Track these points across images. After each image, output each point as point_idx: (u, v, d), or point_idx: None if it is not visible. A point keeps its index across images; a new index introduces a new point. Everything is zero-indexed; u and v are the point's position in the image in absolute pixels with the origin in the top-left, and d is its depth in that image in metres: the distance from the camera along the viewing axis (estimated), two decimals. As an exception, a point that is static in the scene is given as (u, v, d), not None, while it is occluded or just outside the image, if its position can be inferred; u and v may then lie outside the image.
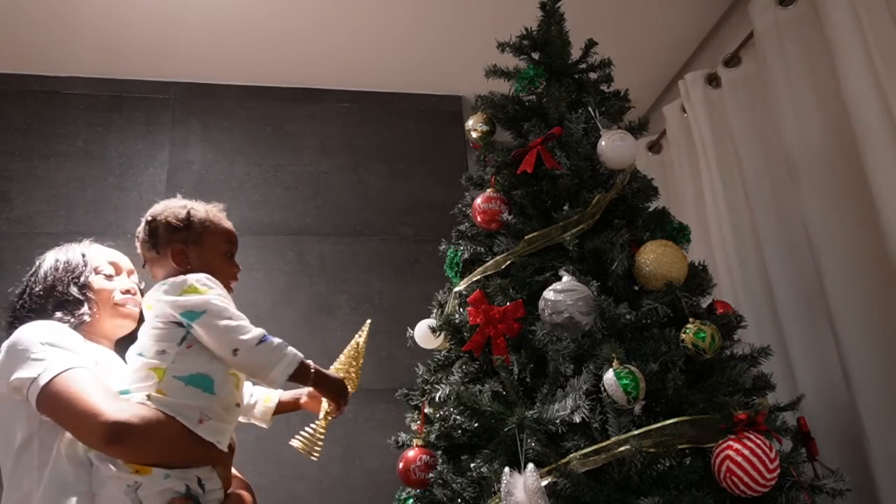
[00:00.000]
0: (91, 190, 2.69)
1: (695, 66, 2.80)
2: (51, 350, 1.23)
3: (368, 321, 1.60)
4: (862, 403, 1.77)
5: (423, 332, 1.75)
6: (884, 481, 1.71)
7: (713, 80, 2.55)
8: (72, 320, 1.35)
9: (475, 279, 1.62)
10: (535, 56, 1.82)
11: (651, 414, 1.31)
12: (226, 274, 1.41)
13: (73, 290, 1.38)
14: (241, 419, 1.50)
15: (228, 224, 1.45)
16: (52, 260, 1.44)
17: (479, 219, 1.64)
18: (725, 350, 1.44)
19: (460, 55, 2.77)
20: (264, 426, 1.57)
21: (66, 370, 1.19)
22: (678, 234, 1.62)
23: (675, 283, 1.42)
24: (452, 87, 3.01)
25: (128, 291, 1.47)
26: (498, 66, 1.80)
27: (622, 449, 1.23)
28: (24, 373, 1.20)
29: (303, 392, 1.57)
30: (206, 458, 1.25)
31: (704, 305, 1.54)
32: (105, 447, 1.15)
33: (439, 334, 1.68)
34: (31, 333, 1.26)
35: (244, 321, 1.27)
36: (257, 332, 1.26)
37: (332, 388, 1.37)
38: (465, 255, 1.71)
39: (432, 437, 1.58)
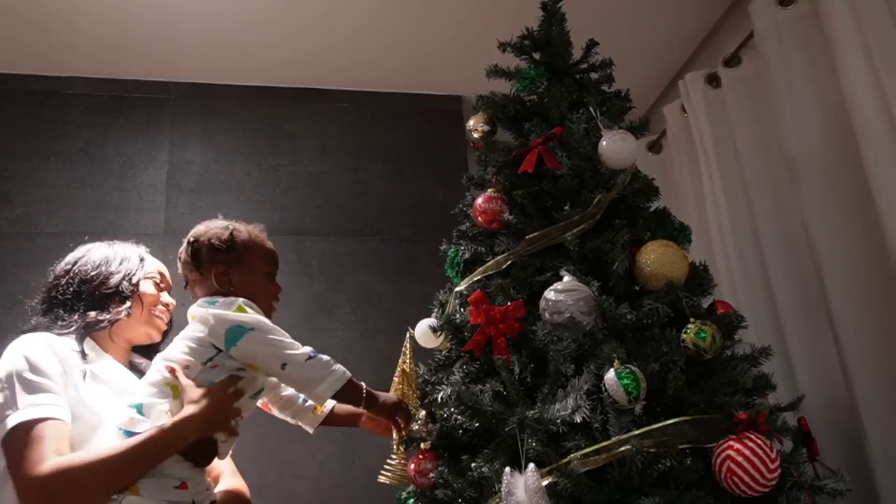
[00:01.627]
0: (91, 190, 2.69)
1: (695, 66, 2.80)
2: (29, 386, 1.19)
3: (408, 336, 1.63)
4: (862, 404, 1.78)
5: (424, 332, 1.75)
6: (884, 481, 1.71)
7: (713, 80, 2.55)
8: (107, 317, 1.35)
9: (476, 279, 1.62)
10: (536, 56, 1.82)
11: (652, 414, 1.31)
12: (268, 294, 1.44)
13: (125, 284, 1.39)
14: (290, 420, 1.55)
15: (270, 245, 1.47)
16: (105, 251, 1.43)
17: (479, 219, 1.64)
18: (726, 350, 1.44)
19: (460, 55, 2.77)
20: (309, 430, 1.60)
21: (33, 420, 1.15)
22: (679, 235, 1.62)
23: (675, 284, 1.42)
24: (452, 87, 3.00)
25: (167, 305, 1.50)
26: (499, 66, 1.80)
27: (623, 449, 1.23)
28: None
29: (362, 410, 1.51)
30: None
31: (705, 305, 1.54)
32: None
33: (440, 334, 1.68)
34: (17, 361, 1.22)
35: (293, 340, 1.32)
36: (306, 349, 1.32)
37: (387, 409, 1.42)
38: (466, 255, 1.71)
39: (432, 437, 1.58)
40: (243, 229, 1.43)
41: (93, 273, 1.39)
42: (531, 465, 1.20)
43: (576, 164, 1.58)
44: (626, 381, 1.24)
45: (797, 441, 1.41)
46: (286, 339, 1.32)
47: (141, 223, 2.67)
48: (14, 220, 2.59)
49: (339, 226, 2.84)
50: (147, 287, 1.46)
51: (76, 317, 1.34)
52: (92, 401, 1.25)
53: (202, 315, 1.31)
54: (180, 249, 1.43)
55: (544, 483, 1.20)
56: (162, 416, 1.23)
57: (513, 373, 1.40)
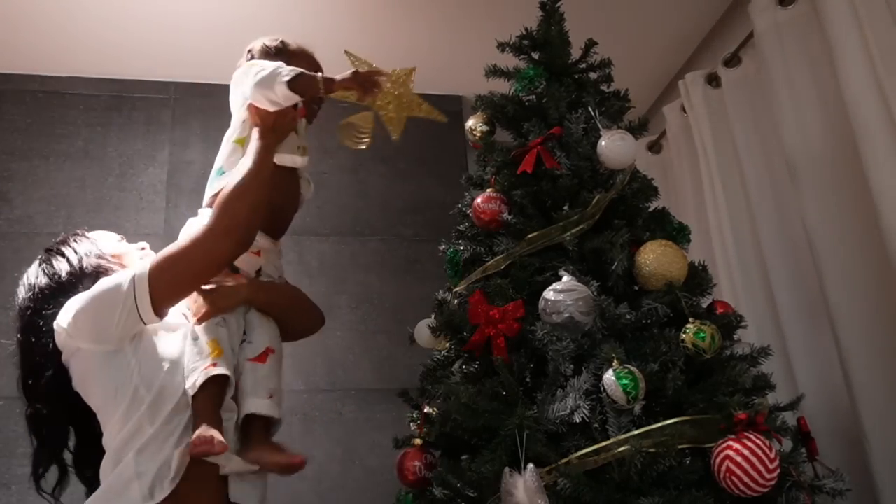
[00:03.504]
0: (91, 190, 2.69)
1: (695, 66, 2.80)
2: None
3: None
4: (862, 403, 1.77)
5: (423, 332, 1.75)
6: (884, 481, 1.71)
7: (713, 80, 2.55)
8: None
9: (475, 279, 1.62)
10: (535, 56, 1.81)
11: (651, 414, 1.31)
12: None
13: (102, 262, 1.39)
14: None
15: (315, 56, 1.60)
16: (57, 262, 1.40)
17: (479, 219, 1.64)
18: (725, 350, 1.44)
19: (460, 55, 2.77)
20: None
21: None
22: (678, 234, 1.62)
23: (675, 283, 1.42)
24: (452, 87, 3.00)
25: (143, 249, 1.51)
26: (498, 66, 1.80)
27: (622, 449, 1.23)
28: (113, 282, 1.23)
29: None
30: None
31: (704, 305, 1.54)
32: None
33: (439, 334, 1.68)
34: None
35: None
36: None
37: (348, 79, 1.45)
38: (465, 255, 1.71)
39: (432, 437, 1.58)
40: (292, 41, 1.56)
41: (67, 277, 1.36)
42: (530, 466, 1.20)
43: (575, 164, 1.58)
44: (624, 382, 1.24)
45: (796, 441, 1.41)
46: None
47: (141, 223, 2.67)
48: (14, 220, 2.59)
49: (339, 226, 2.84)
50: (117, 248, 1.47)
51: None
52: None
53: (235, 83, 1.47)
54: (239, 63, 1.53)
55: (543, 483, 1.20)
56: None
57: (512, 373, 1.40)
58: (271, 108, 1.38)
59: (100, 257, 1.39)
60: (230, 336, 1.30)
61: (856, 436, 1.80)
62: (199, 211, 1.49)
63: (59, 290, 1.31)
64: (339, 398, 2.57)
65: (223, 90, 3.08)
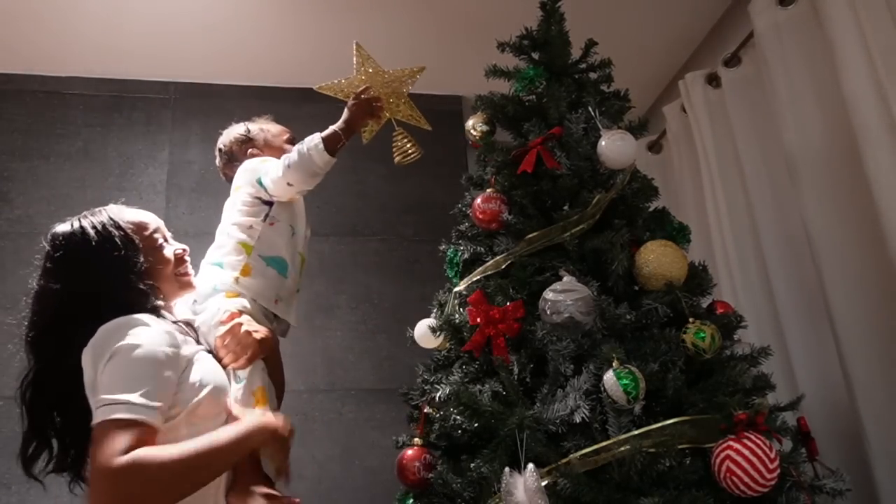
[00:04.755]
0: (91, 190, 2.68)
1: (695, 66, 2.80)
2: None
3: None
4: (862, 403, 1.77)
5: (423, 332, 1.75)
6: (884, 481, 1.71)
7: (713, 80, 2.55)
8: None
9: (475, 279, 1.62)
10: (535, 56, 1.82)
11: (651, 414, 1.31)
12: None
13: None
14: None
15: (279, 125, 1.79)
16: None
17: (479, 219, 1.64)
18: (725, 350, 1.44)
19: (460, 55, 2.77)
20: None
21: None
22: (678, 234, 1.62)
23: (675, 283, 1.42)
24: (452, 87, 3.00)
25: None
26: (498, 66, 1.80)
27: (622, 449, 1.23)
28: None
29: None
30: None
31: (704, 305, 1.54)
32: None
33: (439, 334, 1.68)
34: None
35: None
36: (285, 156, 1.54)
37: (354, 114, 1.65)
38: (465, 255, 1.71)
39: (432, 437, 1.58)
40: (254, 122, 1.74)
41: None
42: (530, 465, 1.20)
43: (575, 164, 1.58)
44: (625, 382, 1.24)
45: (796, 441, 1.41)
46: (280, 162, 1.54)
47: (141, 223, 2.67)
48: (14, 220, 2.59)
49: (339, 226, 2.84)
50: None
51: None
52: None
53: (243, 176, 1.57)
54: (216, 163, 1.73)
55: (543, 483, 1.20)
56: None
57: (512, 373, 1.40)
58: (310, 185, 1.55)
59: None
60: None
61: (856, 436, 1.80)
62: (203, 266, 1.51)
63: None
64: (339, 398, 2.57)
65: (223, 90, 3.11)
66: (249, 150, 1.68)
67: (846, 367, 1.82)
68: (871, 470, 1.73)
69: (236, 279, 1.44)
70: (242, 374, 1.33)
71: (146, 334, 1.15)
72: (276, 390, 1.44)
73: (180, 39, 2.68)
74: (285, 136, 1.75)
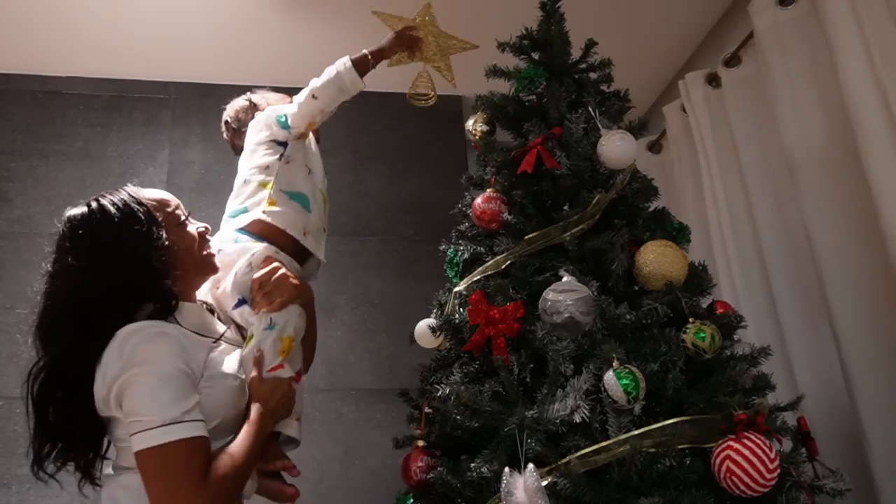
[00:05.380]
0: (91, 190, 2.64)
1: (695, 66, 2.80)
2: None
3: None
4: (862, 404, 1.77)
5: (423, 332, 1.75)
6: (884, 481, 1.71)
7: (713, 80, 2.55)
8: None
9: (475, 279, 1.62)
10: (536, 56, 1.82)
11: (651, 414, 1.31)
12: None
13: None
14: None
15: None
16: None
17: (479, 219, 1.64)
18: (725, 350, 1.44)
19: (460, 55, 2.77)
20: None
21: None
22: (678, 234, 1.62)
23: (675, 283, 1.42)
24: (452, 87, 3.00)
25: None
26: (498, 66, 1.80)
27: (622, 449, 1.23)
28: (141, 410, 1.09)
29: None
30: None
31: (704, 305, 1.54)
32: None
33: (439, 334, 1.68)
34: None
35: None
36: (311, 82, 1.57)
37: (393, 42, 1.69)
38: (465, 255, 1.71)
39: (432, 437, 1.58)
40: (254, 93, 1.74)
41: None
42: (530, 466, 1.20)
43: (575, 164, 1.58)
44: (625, 382, 1.24)
45: (796, 441, 1.41)
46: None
47: (141, 223, 2.67)
48: (14, 220, 2.59)
49: (339, 226, 2.83)
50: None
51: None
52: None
53: (254, 127, 1.58)
54: (225, 136, 1.75)
55: (543, 483, 1.20)
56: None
57: (512, 373, 1.40)
58: (335, 102, 1.58)
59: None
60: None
61: (856, 436, 1.80)
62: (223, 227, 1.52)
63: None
64: (339, 398, 2.57)
65: (223, 90, 3.09)
66: (256, 115, 1.70)
67: (846, 367, 1.82)
68: (871, 470, 1.73)
69: (264, 211, 1.46)
70: (279, 318, 1.32)
71: (165, 347, 1.13)
72: (307, 348, 1.45)
73: (180, 39, 2.68)
74: (289, 100, 1.75)
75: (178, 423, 1.08)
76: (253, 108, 1.71)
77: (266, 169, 1.52)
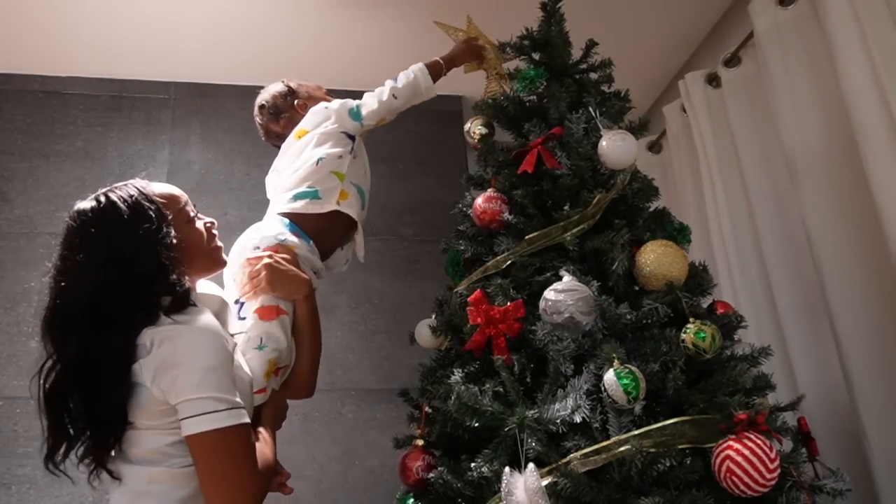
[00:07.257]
0: (91, 190, 2.61)
1: (695, 66, 2.80)
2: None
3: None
4: (862, 403, 1.78)
5: (423, 332, 1.75)
6: (884, 481, 1.71)
7: (713, 80, 2.55)
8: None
9: (475, 279, 1.62)
10: (536, 56, 1.82)
11: (651, 414, 1.31)
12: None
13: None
14: None
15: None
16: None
17: (479, 219, 1.64)
18: (726, 350, 1.44)
19: (460, 55, 2.77)
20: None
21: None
22: (679, 235, 1.62)
23: (675, 283, 1.42)
24: (452, 87, 3.00)
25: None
26: (498, 66, 1.80)
27: (622, 449, 1.23)
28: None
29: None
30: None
31: (705, 305, 1.54)
32: None
33: (439, 334, 1.68)
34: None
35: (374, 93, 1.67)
36: (387, 82, 1.67)
37: (461, 52, 1.82)
38: (466, 255, 1.71)
39: (432, 436, 1.58)
40: (293, 81, 1.80)
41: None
42: (531, 465, 1.20)
43: (575, 164, 1.58)
44: (625, 381, 1.24)
45: (797, 441, 1.41)
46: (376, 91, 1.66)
47: (141, 223, 2.67)
48: (14, 220, 2.59)
49: (339, 226, 2.84)
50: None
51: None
52: None
53: (321, 114, 1.62)
54: (259, 121, 1.80)
55: (544, 483, 1.20)
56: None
57: (512, 373, 1.40)
58: (409, 104, 1.67)
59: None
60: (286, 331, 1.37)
61: (856, 436, 1.80)
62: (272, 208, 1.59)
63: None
64: (339, 398, 2.57)
65: (223, 90, 3.10)
66: (297, 102, 1.74)
67: (846, 367, 1.83)
68: (871, 470, 1.74)
69: (337, 202, 1.53)
70: (268, 340, 1.33)
71: (214, 334, 1.16)
72: (312, 346, 1.45)
73: (180, 39, 2.68)
74: (324, 90, 1.82)
75: (238, 409, 1.12)
76: (293, 94, 1.74)
77: (339, 159, 1.57)
